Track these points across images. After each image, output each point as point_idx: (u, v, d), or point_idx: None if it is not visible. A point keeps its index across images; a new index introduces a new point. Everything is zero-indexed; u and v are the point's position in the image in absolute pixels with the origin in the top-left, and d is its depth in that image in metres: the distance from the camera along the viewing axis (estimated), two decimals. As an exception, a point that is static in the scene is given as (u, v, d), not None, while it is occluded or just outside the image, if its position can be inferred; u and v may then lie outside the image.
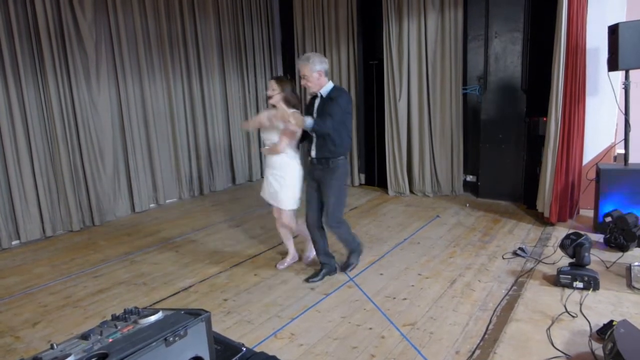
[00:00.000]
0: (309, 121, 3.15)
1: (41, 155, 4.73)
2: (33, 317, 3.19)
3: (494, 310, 2.94)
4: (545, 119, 4.51)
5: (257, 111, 7.06)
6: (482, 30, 5.26)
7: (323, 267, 3.58)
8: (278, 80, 3.54)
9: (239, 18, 6.64)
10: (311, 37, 6.48)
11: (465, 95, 5.48)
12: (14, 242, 4.61)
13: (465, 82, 5.46)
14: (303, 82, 3.35)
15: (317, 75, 3.28)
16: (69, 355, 1.09)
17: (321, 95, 3.37)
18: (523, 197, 5.13)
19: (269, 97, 3.51)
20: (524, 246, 3.83)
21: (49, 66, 4.66)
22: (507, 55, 5.12)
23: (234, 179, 6.82)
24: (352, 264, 3.69)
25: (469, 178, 5.69)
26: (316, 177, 3.46)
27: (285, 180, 3.54)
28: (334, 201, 3.39)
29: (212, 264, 3.93)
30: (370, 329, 2.82)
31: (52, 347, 1.19)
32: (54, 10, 4.67)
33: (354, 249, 3.72)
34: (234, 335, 2.78)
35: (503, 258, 3.76)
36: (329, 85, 3.37)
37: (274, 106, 3.47)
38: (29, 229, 4.67)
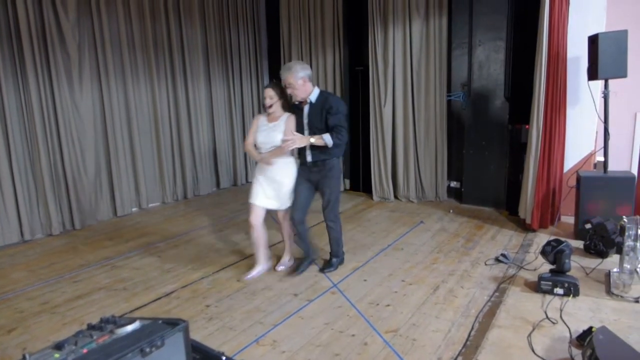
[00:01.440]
0: (327, 139, 3.34)
1: (20, 157, 4.63)
2: (9, 323, 3.11)
3: (476, 317, 2.95)
4: (527, 126, 4.57)
5: (243, 116, 7.03)
6: (466, 38, 5.33)
7: (331, 256, 3.84)
8: (275, 86, 3.51)
9: (225, 22, 6.62)
10: (297, 43, 6.49)
11: (449, 101, 5.54)
12: (-9, 247, 4.50)
13: (449, 89, 5.51)
14: (289, 91, 3.42)
15: (302, 82, 3.35)
16: (41, 366, 1.06)
17: (310, 102, 3.44)
18: (506, 204, 5.19)
19: (268, 107, 3.50)
20: (506, 252, 3.86)
21: (30, 67, 4.58)
22: (490, 63, 5.19)
23: (218, 184, 6.78)
24: (332, 268, 3.75)
25: (453, 184, 5.74)
26: (312, 179, 3.59)
27: (288, 179, 3.58)
28: (334, 197, 3.60)
29: (194, 270, 3.88)
30: (353, 335, 2.81)
31: (24, 358, 1.15)
32: (35, 10, 4.59)
33: (339, 254, 3.82)
34: (215, 342, 2.75)
35: (485, 264, 3.79)
36: (315, 90, 3.47)
37: (269, 113, 3.53)
38: (7, 233, 4.56)
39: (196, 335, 2.70)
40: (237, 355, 2.64)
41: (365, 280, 3.60)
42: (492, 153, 5.27)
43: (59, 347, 1.19)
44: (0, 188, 4.49)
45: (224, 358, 1.46)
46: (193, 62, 6.23)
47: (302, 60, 6.50)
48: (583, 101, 4.48)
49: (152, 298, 3.39)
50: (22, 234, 4.67)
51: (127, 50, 5.45)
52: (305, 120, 3.50)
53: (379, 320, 2.98)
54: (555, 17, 4.11)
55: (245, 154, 7.09)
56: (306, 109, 3.49)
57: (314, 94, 3.45)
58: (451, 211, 5.28)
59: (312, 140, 3.34)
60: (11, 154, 4.54)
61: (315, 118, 3.45)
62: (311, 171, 3.57)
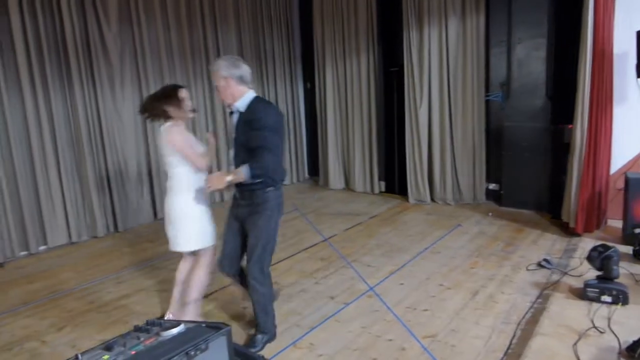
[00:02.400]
0: (245, 172, 2.44)
1: (68, 162, 4.84)
2: (58, 321, 3.25)
3: (518, 324, 2.87)
4: (570, 126, 4.41)
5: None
6: (505, 37, 5.19)
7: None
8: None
9: (259, 28, 6.71)
10: (331, 45, 6.50)
11: (487, 102, 5.41)
12: (41, 247, 4.72)
13: (487, 89, 5.39)
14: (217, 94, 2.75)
15: (224, 82, 2.56)
16: (92, 367, 1.11)
17: (238, 110, 2.64)
18: (548, 207, 5.01)
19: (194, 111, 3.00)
20: (548, 257, 3.74)
21: (76, 76, 4.79)
22: (530, 61, 5.04)
23: (254, 186, 6.85)
24: (257, 347, 2.67)
25: (492, 186, 5.60)
26: (240, 216, 2.74)
27: (183, 210, 2.88)
28: (261, 244, 2.63)
29: (232, 272, 3.94)
30: (391, 340, 2.79)
31: (76, 358, 1.21)
32: (80, 22, 4.80)
33: (266, 329, 2.78)
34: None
35: (527, 269, 3.68)
36: (247, 96, 2.61)
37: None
38: (56, 235, 4.78)
39: (235, 338, 2.74)
40: (274, 357, 2.67)
41: (401, 283, 3.56)
42: (533, 154, 5.11)
43: (108, 348, 1.23)
44: (50, 192, 4.71)
45: (264, 362, 1.47)
46: (229, 67, 6.34)
47: (335, 62, 6.52)
48: (631, 99, 4.28)
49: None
50: (69, 236, 4.88)
51: (165, 57, 5.61)
52: (232, 136, 2.70)
53: (416, 325, 2.94)
54: (601, 11, 3.95)
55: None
56: (234, 119, 2.68)
57: (242, 101, 2.60)
58: (490, 214, 5.16)
59: (228, 178, 2.45)
60: (59, 160, 4.75)
61: (241, 133, 2.61)
62: (239, 205, 2.74)
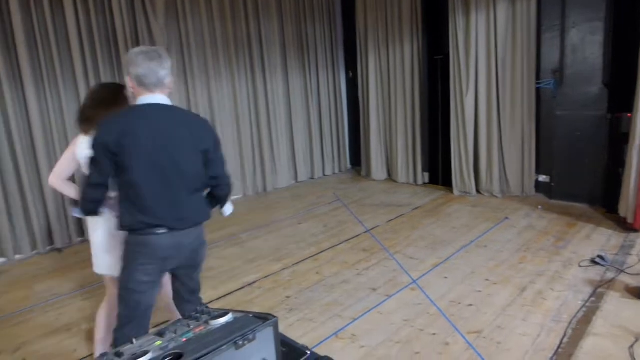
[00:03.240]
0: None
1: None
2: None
3: (569, 323, 2.76)
4: (629, 115, 4.16)
5: (320, 108, 7.10)
6: (558, 20, 4.93)
7: None
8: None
9: (301, 16, 6.70)
10: (374, 33, 6.41)
11: (538, 89, 5.18)
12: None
13: (538, 76, 5.15)
14: None
15: (129, 82, 1.98)
16: (147, 352, 1.15)
17: None
18: (602, 200, 4.76)
19: None
20: (603, 254, 3.56)
21: (126, 69, 4.95)
22: (586, 46, 4.77)
23: (296, 176, 6.92)
24: None
25: (542, 178, 5.38)
26: None
27: (92, 229, 2.37)
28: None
29: (275, 261, 4.01)
30: (434, 334, 2.75)
31: (131, 342, 1.26)
32: (129, 16, 4.96)
33: None
34: (296, 333, 2.83)
35: (579, 266, 3.52)
36: (140, 100, 1.97)
37: None
38: (109, 222, 5.00)
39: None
40: (316, 347, 2.70)
41: (445, 277, 3.50)
42: (588, 144, 4.86)
43: (160, 334, 1.28)
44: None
45: (308, 352, 1.49)
46: (271, 56, 6.39)
47: (378, 50, 6.42)
48: (699, 85, 3.98)
49: (237, 287, 3.56)
50: (121, 223, 5.10)
51: (210, 49, 5.72)
52: None
53: (460, 320, 2.89)
54: (666, -8, 3.68)
55: (324, 145, 7.17)
56: None
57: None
58: (540, 207, 4.96)
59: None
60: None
61: None
62: None
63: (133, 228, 1.93)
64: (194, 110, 5.64)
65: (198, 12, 5.58)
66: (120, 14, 4.86)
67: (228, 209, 2.43)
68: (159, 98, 1.95)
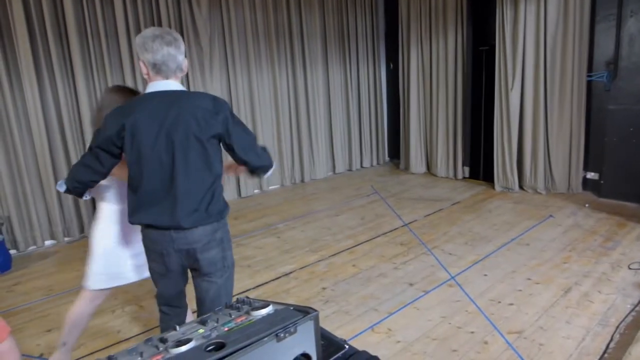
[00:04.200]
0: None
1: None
2: (155, 289, 3.52)
3: (617, 327, 2.64)
4: (690, 110, 3.90)
5: (359, 100, 7.04)
6: (615, 9, 4.67)
7: None
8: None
9: (342, 7, 6.64)
10: (416, 23, 6.28)
11: (589, 83, 4.94)
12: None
13: (590, 69, 4.91)
14: None
15: (144, 68, 1.85)
16: (190, 340, 1.18)
17: None
18: (657, 200, 4.52)
19: None
20: (656, 256, 3.38)
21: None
22: (644, 37, 4.50)
23: (334, 168, 6.91)
24: None
25: (590, 175, 5.14)
26: None
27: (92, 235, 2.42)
28: None
29: (311, 252, 4.03)
30: (472, 332, 2.70)
31: (175, 329, 1.29)
32: (174, 8, 5.06)
33: None
34: (331, 325, 2.84)
35: (629, 268, 3.36)
36: (150, 87, 1.86)
37: None
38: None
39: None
40: (352, 340, 2.70)
41: (485, 275, 3.42)
42: (642, 141, 4.60)
43: (203, 322, 1.31)
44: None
45: (347, 346, 1.49)
46: (312, 47, 6.38)
47: (420, 41, 6.30)
48: None
49: (273, 277, 3.60)
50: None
51: (251, 40, 5.76)
52: None
53: (500, 319, 2.82)
54: None
55: (362, 137, 7.12)
56: None
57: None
58: (587, 205, 4.75)
59: None
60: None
61: None
62: None
63: (135, 222, 1.91)
64: (234, 100, 5.71)
65: (241, 2, 5.63)
66: (165, 4, 4.96)
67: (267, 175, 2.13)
68: (172, 84, 1.84)
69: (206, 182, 1.86)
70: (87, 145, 4.58)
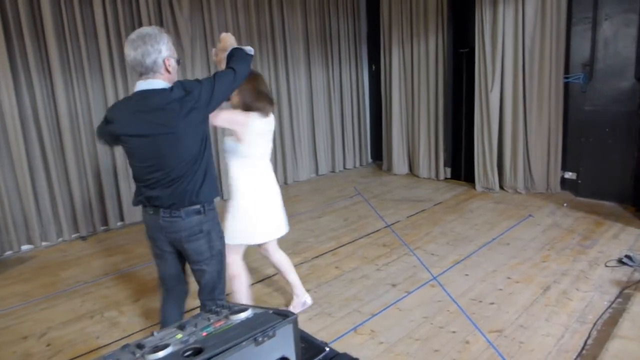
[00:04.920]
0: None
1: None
2: (134, 293, 3.49)
3: (594, 324, 2.69)
4: (663, 111, 4.01)
5: (341, 102, 7.06)
6: (590, 12, 4.77)
7: None
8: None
9: (325, 9, 6.65)
10: (398, 26, 6.32)
11: (566, 84, 5.03)
12: (119, 223, 5.06)
13: (567, 71, 5.01)
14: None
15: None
16: (167, 345, 1.16)
17: None
18: (632, 198, 4.62)
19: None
20: (631, 254, 3.45)
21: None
22: (619, 39, 4.60)
23: (317, 169, 6.91)
24: None
25: (568, 175, 5.24)
26: None
27: (234, 199, 2.76)
28: None
29: (294, 254, 4.01)
30: (454, 332, 2.72)
31: (152, 335, 1.27)
32: (155, 8, 5.00)
33: None
34: (314, 327, 2.83)
35: (606, 266, 3.43)
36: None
37: None
38: (131, 212, 5.09)
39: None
40: (335, 342, 2.70)
41: (466, 274, 3.45)
42: (617, 141, 4.71)
43: (181, 327, 1.29)
44: (127, 171, 5.01)
45: (327, 349, 1.48)
46: (294, 49, 6.37)
47: (402, 43, 6.34)
48: None
49: (256, 279, 3.58)
50: (144, 213, 5.19)
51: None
52: None
53: (481, 318, 2.85)
54: None
55: (345, 139, 7.13)
56: None
57: None
58: (565, 204, 4.84)
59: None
60: (135, 141, 5.03)
61: None
62: None
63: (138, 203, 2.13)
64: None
65: (222, 4, 5.59)
66: (146, 5, 4.90)
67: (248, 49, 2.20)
68: (146, 84, 1.93)
69: (183, 170, 2.00)
70: (65, 148, 4.43)
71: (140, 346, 1.20)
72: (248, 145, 2.56)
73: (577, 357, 2.43)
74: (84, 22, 4.58)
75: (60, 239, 4.67)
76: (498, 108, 5.38)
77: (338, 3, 6.78)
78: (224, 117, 2.44)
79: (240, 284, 2.77)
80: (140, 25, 4.90)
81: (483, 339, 2.63)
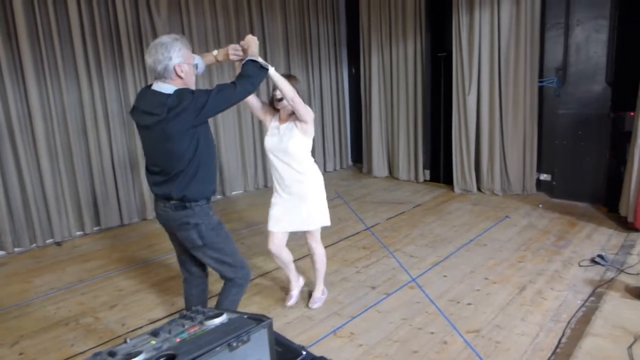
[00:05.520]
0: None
1: (120, 147, 5.04)
2: (110, 300, 3.42)
3: (568, 323, 2.75)
4: (632, 113, 4.14)
5: (322, 105, 7.07)
6: (562, 18, 4.90)
7: None
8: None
9: (304, 12, 6.67)
10: (377, 30, 6.38)
11: (541, 88, 5.15)
12: (95, 228, 4.97)
13: (541, 75, 5.12)
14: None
15: None
16: (140, 352, 1.14)
17: None
18: (604, 199, 4.74)
19: (278, 100, 2.96)
20: (603, 253, 3.55)
21: (127, 62, 4.95)
22: (590, 44, 4.73)
23: (297, 172, 6.89)
24: None
25: (543, 177, 5.36)
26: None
27: (314, 188, 2.99)
28: None
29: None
30: (432, 333, 2.75)
31: (125, 342, 1.25)
32: (132, 10, 4.93)
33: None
34: (294, 331, 2.83)
35: (579, 265, 3.51)
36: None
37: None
38: (109, 217, 5.01)
39: (276, 324, 2.79)
40: (314, 345, 2.69)
41: (445, 276, 3.49)
42: (590, 143, 4.83)
43: (154, 334, 1.27)
44: (104, 176, 4.94)
45: (304, 352, 1.48)
46: (274, 52, 6.36)
47: (381, 47, 6.39)
48: (703, 85, 3.95)
49: (261, 272, 3.54)
50: (121, 218, 5.11)
51: (212, 44, 5.69)
52: None
53: (459, 319, 2.88)
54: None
55: (325, 142, 7.15)
56: None
57: None
58: (540, 206, 4.94)
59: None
60: (112, 144, 4.96)
61: None
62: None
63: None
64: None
65: (201, 6, 5.55)
66: (122, 7, 4.83)
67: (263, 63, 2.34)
68: (157, 86, 2.13)
69: (179, 167, 2.18)
70: (38, 150, 4.34)
71: (112, 354, 1.18)
72: (310, 135, 2.92)
73: (551, 355, 2.47)
74: (59, 23, 4.50)
75: (33, 245, 4.56)
76: (475, 111, 5.47)
77: (318, 7, 6.81)
78: (303, 104, 2.81)
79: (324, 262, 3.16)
80: (117, 27, 4.84)
81: (461, 340, 2.66)
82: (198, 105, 2.04)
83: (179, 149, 2.09)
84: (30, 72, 4.35)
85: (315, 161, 3.14)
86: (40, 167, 4.51)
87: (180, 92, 2.07)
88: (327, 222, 3.06)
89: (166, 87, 2.10)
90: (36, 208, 4.52)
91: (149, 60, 2.10)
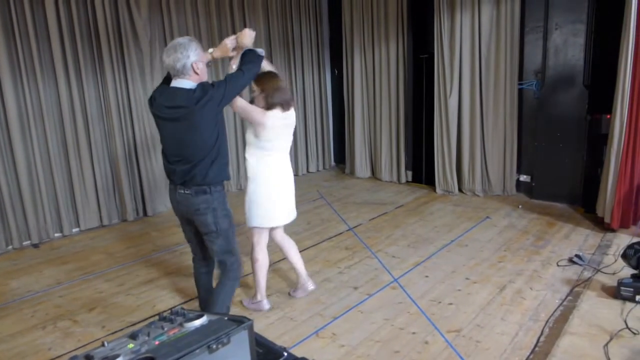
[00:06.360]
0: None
1: (99, 147, 4.96)
2: (90, 302, 3.36)
3: (546, 322, 2.80)
4: (609, 116, 4.23)
5: (304, 106, 7.07)
6: (541, 22, 4.99)
7: None
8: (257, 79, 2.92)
9: (287, 13, 6.65)
10: (359, 31, 6.40)
11: (520, 90, 5.24)
12: (74, 230, 4.88)
13: (521, 77, 5.21)
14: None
15: None
16: (117, 356, 1.13)
17: None
18: (581, 200, 4.84)
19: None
20: (581, 253, 3.62)
21: (107, 63, 4.86)
22: (568, 48, 4.83)
23: (280, 173, 6.87)
24: None
25: (523, 178, 5.45)
26: None
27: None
28: None
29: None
30: (414, 333, 2.77)
31: (103, 345, 1.23)
32: (112, 10, 4.86)
33: None
34: (276, 332, 2.82)
35: (558, 265, 3.58)
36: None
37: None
38: (88, 218, 4.92)
39: (257, 325, 2.78)
40: (296, 346, 2.69)
41: (426, 276, 3.52)
42: (568, 145, 4.93)
43: (133, 336, 1.25)
44: (83, 177, 4.85)
45: (285, 354, 1.48)
46: (257, 53, 6.33)
47: (363, 49, 6.42)
48: (676, 89, 4.06)
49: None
50: (100, 220, 5.02)
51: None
52: None
53: (441, 318, 2.91)
54: (646, -4, 3.74)
55: (308, 142, 7.15)
56: None
57: None
58: (520, 206, 5.03)
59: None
60: (92, 145, 4.87)
61: None
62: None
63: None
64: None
65: (182, 6, 5.49)
66: (102, 6, 4.75)
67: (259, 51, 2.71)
68: (177, 83, 2.38)
69: (200, 156, 2.43)
70: (14, 150, 4.25)
71: (89, 357, 1.16)
72: (265, 140, 2.90)
73: (530, 354, 2.52)
74: (36, 23, 4.40)
75: (10, 247, 4.45)
76: (456, 113, 5.54)
77: (300, 7, 6.81)
78: (240, 105, 2.84)
79: (258, 268, 3.12)
80: (96, 26, 4.76)
81: (442, 339, 2.69)
82: (219, 94, 2.34)
83: (205, 137, 2.36)
84: (6, 72, 4.24)
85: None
86: (16, 167, 4.41)
87: (203, 85, 2.35)
88: (250, 223, 3.11)
89: (186, 83, 2.35)
90: (12, 209, 4.41)
91: (167, 59, 2.33)
